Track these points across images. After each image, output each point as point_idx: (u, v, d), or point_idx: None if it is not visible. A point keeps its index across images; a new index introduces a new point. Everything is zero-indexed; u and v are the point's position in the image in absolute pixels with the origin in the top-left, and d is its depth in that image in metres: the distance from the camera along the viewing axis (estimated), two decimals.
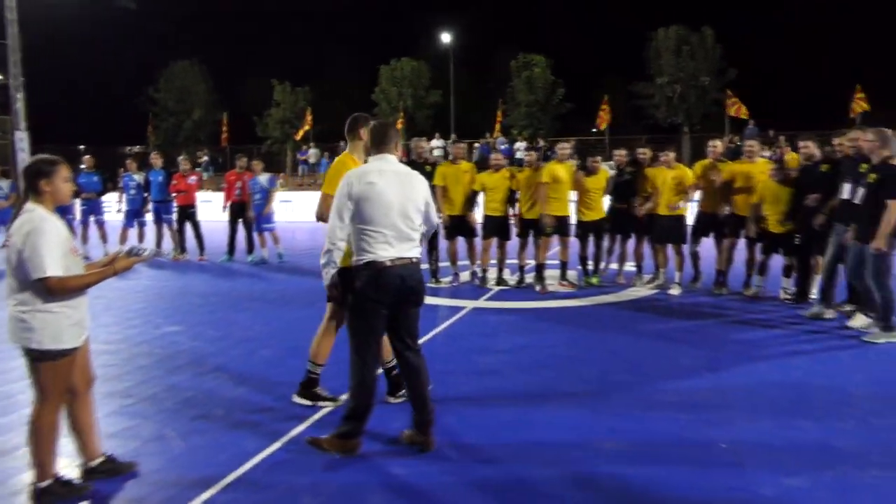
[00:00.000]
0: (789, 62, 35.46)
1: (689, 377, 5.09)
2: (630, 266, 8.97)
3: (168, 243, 12.85)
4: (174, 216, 12.78)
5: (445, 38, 37.14)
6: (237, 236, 12.12)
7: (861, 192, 6.08)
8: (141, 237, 13.22)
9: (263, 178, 11.40)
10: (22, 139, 28.64)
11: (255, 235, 11.83)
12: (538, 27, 41.05)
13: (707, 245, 8.36)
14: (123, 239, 13.06)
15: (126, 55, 42.78)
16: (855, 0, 33.84)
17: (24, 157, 26.77)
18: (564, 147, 8.62)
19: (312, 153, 31.95)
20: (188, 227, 12.57)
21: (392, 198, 3.66)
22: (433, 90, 35.00)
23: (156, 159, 13.28)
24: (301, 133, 33.69)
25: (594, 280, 8.80)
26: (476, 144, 27.67)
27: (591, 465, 3.64)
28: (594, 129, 27.76)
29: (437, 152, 28.45)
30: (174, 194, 12.59)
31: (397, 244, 3.67)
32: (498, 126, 30.02)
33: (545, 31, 40.02)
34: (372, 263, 3.64)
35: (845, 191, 6.37)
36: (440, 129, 32.01)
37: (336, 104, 39.34)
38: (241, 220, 12.02)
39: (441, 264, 9.05)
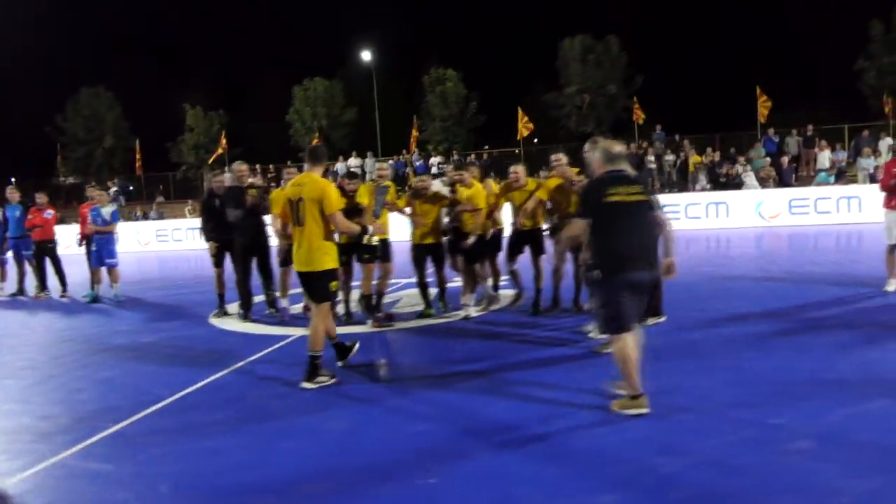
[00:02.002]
0: (694, 67, 36.51)
1: None
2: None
3: (32, 280, 12.13)
4: (32, 252, 12.11)
5: (366, 55, 37.04)
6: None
7: None
8: (2, 276, 12.57)
9: (106, 210, 10.80)
10: None
11: (89, 272, 11.12)
12: (452, 40, 41.24)
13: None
14: None
15: (32, 85, 41.22)
16: (754, 4, 35.08)
17: None
18: (383, 168, 7.80)
19: (227, 177, 31.17)
20: (49, 264, 11.97)
21: None
22: (348, 108, 34.69)
23: (12, 194, 12.58)
24: (214, 157, 32.90)
25: (440, 305, 8.19)
26: (389, 161, 27.49)
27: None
28: (519, 140, 27.71)
29: (353, 171, 28.18)
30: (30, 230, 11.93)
31: None
32: (413, 142, 29.84)
33: (459, 45, 40.19)
34: None
35: None
36: (358, 148, 31.79)
37: (251, 127, 38.80)
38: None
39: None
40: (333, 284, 5.66)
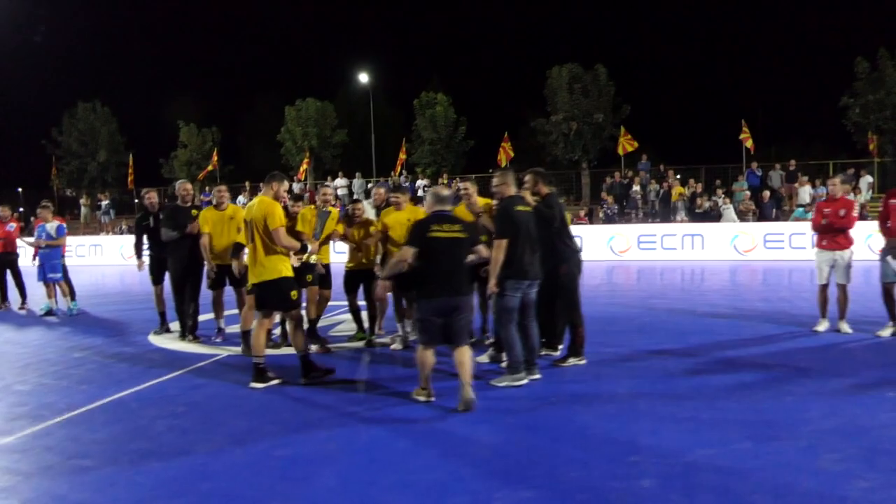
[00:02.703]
0: (683, 99, 36.77)
1: None
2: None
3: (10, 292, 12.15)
4: None
5: (363, 77, 37.48)
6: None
7: None
8: None
9: (51, 225, 10.91)
10: None
11: (43, 285, 11.21)
12: (444, 65, 41.69)
13: None
14: None
15: (29, 97, 41.69)
16: (743, 39, 35.40)
17: None
18: (327, 193, 7.79)
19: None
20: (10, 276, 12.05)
21: None
22: (339, 129, 34.95)
23: None
24: (204, 173, 33.19)
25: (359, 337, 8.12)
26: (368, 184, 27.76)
27: None
28: (490, 170, 27.92)
29: (340, 192, 28.35)
30: None
31: None
32: (399, 164, 30.04)
33: (450, 69, 40.61)
34: None
35: None
36: (349, 168, 32.04)
37: (244, 145, 39.23)
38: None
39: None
40: (293, 293, 6.08)
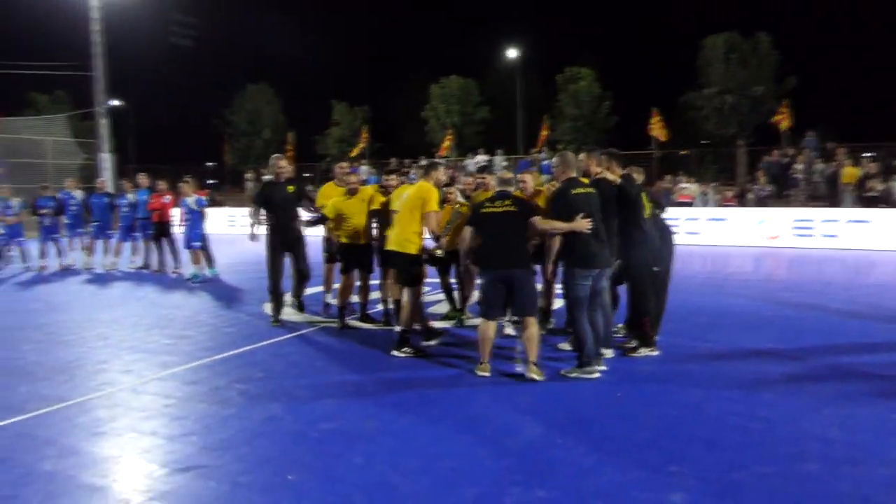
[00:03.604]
0: (860, 68, 32.67)
1: None
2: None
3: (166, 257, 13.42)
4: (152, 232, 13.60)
5: (511, 53, 37.18)
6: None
7: None
8: (117, 251, 14.22)
9: (191, 199, 11.95)
10: (106, 160, 31.51)
11: (188, 252, 12.33)
12: (591, 39, 39.97)
13: None
14: (118, 252, 14.22)
15: (204, 81, 45.83)
16: None
17: (108, 175, 29.49)
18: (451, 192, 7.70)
19: (364, 170, 32.92)
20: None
21: None
22: (482, 106, 35.07)
23: (142, 180, 14.27)
24: (356, 150, 34.75)
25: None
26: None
27: None
28: (651, 146, 26.50)
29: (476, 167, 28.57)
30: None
31: None
32: (541, 141, 29.53)
33: (595, 43, 38.85)
34: None
35: None
36: (491, 145, 32.09)
37: (392, 122, 40.56)
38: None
39: None
40: (419, 270, 6.55)
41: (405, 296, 6.67)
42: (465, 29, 47.00)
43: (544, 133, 29.87)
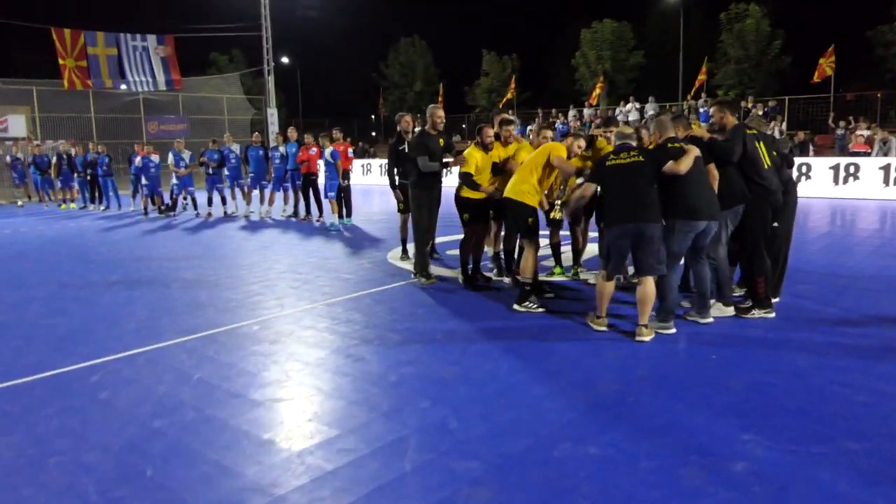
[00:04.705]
0: None
1: None
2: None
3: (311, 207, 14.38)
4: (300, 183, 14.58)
5: None
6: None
7: None
8: (286, 199, 15.43)
9: (328, 151, 12.55)
10: (272, 114, 34.01)
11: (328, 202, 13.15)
12: None
13: None
14: (272, 201, 15.49)
15: (360, 37, 47.40)
16: None
17: (274, 130, 31.91)
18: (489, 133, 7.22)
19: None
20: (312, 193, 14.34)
21: None
22: (636, 51, 33.20)
23: (292, 133, 15.27)
24: (504, 101, 34.55)
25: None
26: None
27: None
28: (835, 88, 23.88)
29: (632, 116, 27.31)
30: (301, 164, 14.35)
31: None
32: (697, 86, 27.55)
33: None
34: None
35: None
36: (644, 93, 30.45)
37: (544, 71, 39.67)
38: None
39: None
40: (531, 221, 6.43)
41: (526, 248, 6.52)
42: None
43: (702, 78, 27.84)
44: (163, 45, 30.90)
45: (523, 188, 6.40)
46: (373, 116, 45.47)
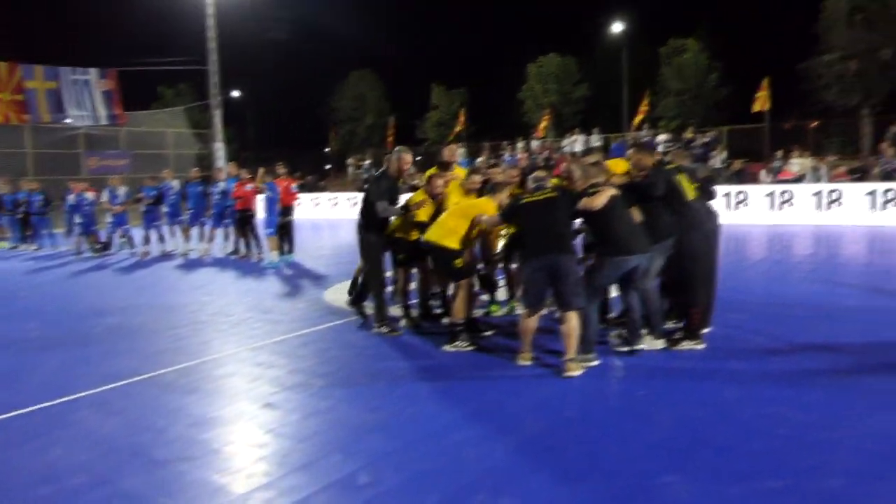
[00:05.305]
0: None
1: None
2: None
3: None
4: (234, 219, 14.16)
5: (616, 27, 35.68)
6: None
7: None
8: (226, 236, 14.97)
9: (263, 186, 12.33)
10: (220, 149, 33.44)
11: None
12: (694, 6, 37.16)
13: None
14: (212, 238, 15.00)
15: (311, 69, 47.32)
16: None
17: (220, 164, 31.33)
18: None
19: (459, 153, 32.90)
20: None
21: None
22: (580, 84, 33.98)
23: (231, 168, 14.99)
24: (453, 134, 34.79)
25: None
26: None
27: None
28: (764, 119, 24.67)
29: (577, 147, 27.73)
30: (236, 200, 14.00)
31: None
32: (639, 118, 28.19)
33: (703, 12, 36.09)
34: None
35: None
36: (589, 125, 31.05)
37: (488, 105, 40.17)
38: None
39: None
40: (457, 262, 6.20)
41: (458, 289, 6.24)
42: (563, 7, 45.34)
43: (644, 109, 28.53)
44: (105, 78, 30.28)
45: (443, 231, 6.23)
46: (326, 150, 45.30)
